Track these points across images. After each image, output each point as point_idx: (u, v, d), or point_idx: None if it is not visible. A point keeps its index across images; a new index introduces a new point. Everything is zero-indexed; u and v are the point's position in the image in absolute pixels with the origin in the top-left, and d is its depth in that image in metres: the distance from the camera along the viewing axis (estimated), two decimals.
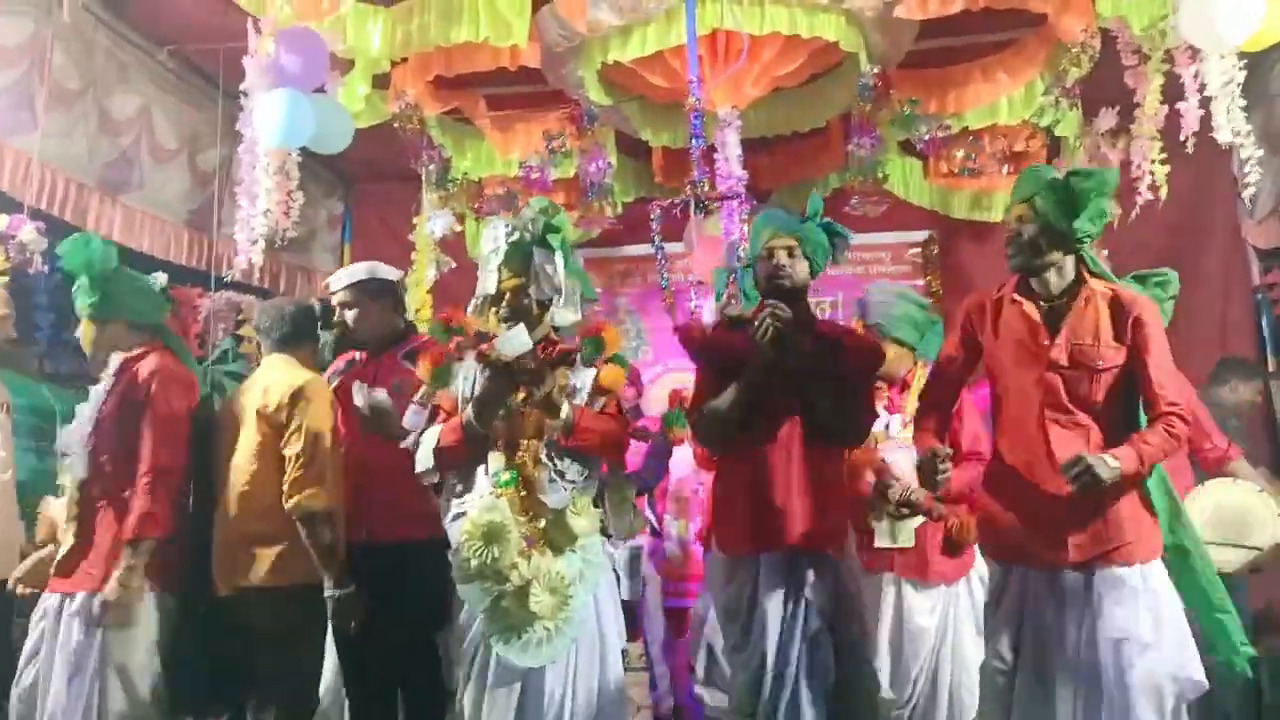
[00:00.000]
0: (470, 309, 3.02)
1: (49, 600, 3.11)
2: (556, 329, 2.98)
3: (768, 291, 2.88)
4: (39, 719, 2.96)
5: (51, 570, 3.15)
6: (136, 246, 5.21)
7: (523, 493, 2.80)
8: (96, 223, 4.98)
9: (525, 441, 2.83)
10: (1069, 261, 2.72)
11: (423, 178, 5.85)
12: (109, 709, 2.96)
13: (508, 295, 2.89)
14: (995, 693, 2.76)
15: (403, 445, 2.99)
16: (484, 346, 2.81)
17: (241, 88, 4.49)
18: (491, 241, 2.91)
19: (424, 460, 2.84)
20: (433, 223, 5.83)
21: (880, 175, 5.69)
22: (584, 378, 2.93)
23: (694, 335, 3.08)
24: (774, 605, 2.79)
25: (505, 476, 2.79)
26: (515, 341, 2.77)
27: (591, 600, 2.86)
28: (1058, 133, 5.38)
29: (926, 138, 5.16)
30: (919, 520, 3.49)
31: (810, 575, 2.80)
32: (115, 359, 3.18)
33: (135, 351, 3.19)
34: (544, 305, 2.94)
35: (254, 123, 4.38)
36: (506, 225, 2.91)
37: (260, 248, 4.30)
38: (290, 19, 4.42)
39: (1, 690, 3.22)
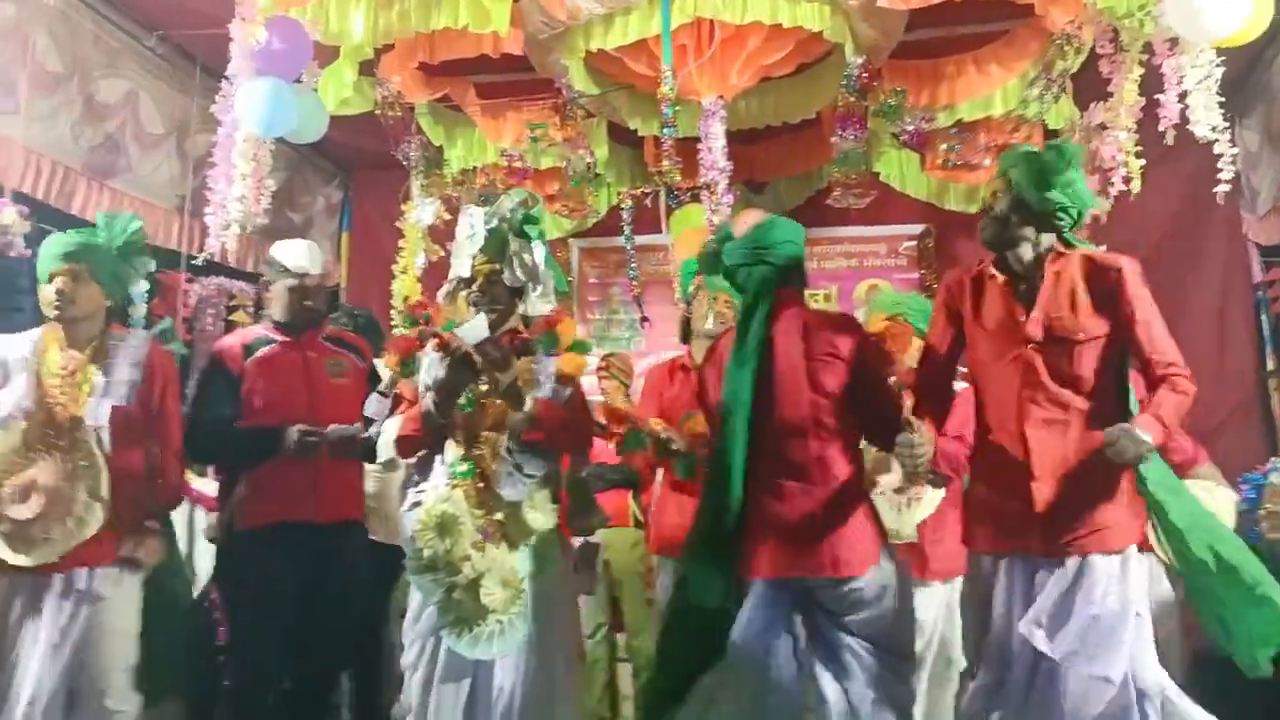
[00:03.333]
0: (441, 293, 3.03)
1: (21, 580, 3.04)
2: (527, 319, 2.99)
3: None
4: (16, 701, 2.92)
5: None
6: None
7: (480, 485, 2.79)
8: (84, 207, 5.00)
9: (485, 434, 2.82)
10: (1045, 240, 2.65)
11: (408, 166, 5.84)
12: (94, 687, 2.96)
13: (480, 280, 2.90)
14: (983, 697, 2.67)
15: (365, 435, 2.99)
16: (445, 335, 2.81)
17: (226, 74, 4.50)
18: (468, 227, 2.92)
19: (384, 449, 2.85)
20: (420, 211, 5.81)
21: (866, 167, 5.62)
22: (547, 368, 2.92)
23: None
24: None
25: (462, 468, 2.80)
26: (475, 330, 2.77)
27: (545, 595, 2.85)
28: (1050, 125, 5.30)
29: (910, 129, 5.08)
30: (922, 515, 3.48)
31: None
32: (130, 347, 3.16)
33: (145, 342, 3.23)
34: (515, 293, 2.94)
35: (235, 109, 4.39)
36: (485, 213, 2.92)
37: (234, 232, 4.31)
38: (272, 6, 4.42)
39: None
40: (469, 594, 2.73)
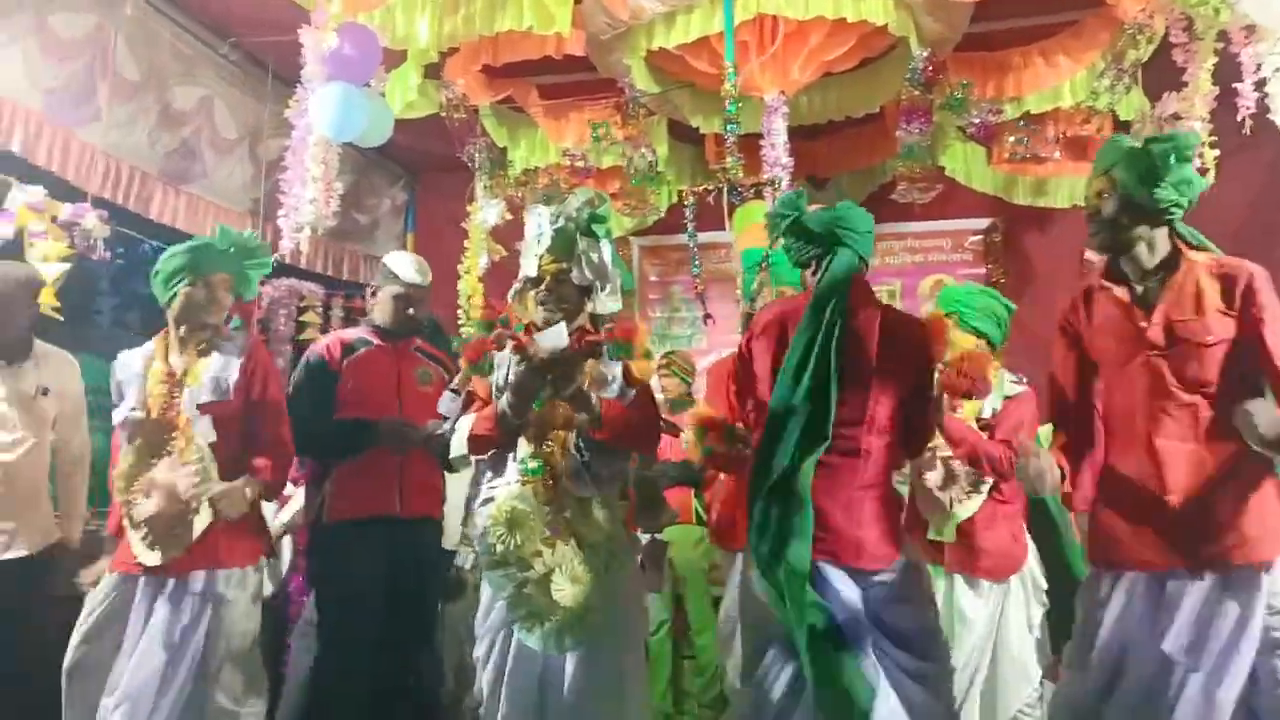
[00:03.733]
0: (510, 293, 3.06)
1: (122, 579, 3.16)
2: (595, 318, 3.00)
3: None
4: (117, 694, 3.01)
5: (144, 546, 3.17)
6: (200, 234, 5.36)
7: (550, 482, 2.82)
8: (160, 211, 5.15)
9: (554, 432, 2.84)
10: (1159, 235, 2.49)
11: (473, 167, 5.91)
12: (214, 687, 3.07)
13: (547, 279, 2.91)
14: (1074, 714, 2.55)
15: (438, 431, 3.04)
16: (522, 338, 2.84)
17: (299, 79, 4.59)
18: (535, 227, 2.94)
19: (457, 447, 2.88)
20: (484, 211, 5.89)
21: (931, 161, 5.56)
22: (615, 369, 2.94)
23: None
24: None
25: (532, 465, 2.82)
26: (554, 338, 2.79)
27: (614, 592, 2.86)
28: (1121, 116, 5.19)
29: (976, 121, 5.01)
30: (962, 516, 3.45)
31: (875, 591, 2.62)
32: (232, 346, 3.26)
33: (245, 340, 3.32)
34: (583, 292, 2.96)
35: (309, 113, 4.48)
36: (551, 211, 2.94)
37: (306, 235, 4.40)
38: (341, 13, 4.50)
39: (27, 662, 3.34)
40: (540, 589, 2.76)
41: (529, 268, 2.95)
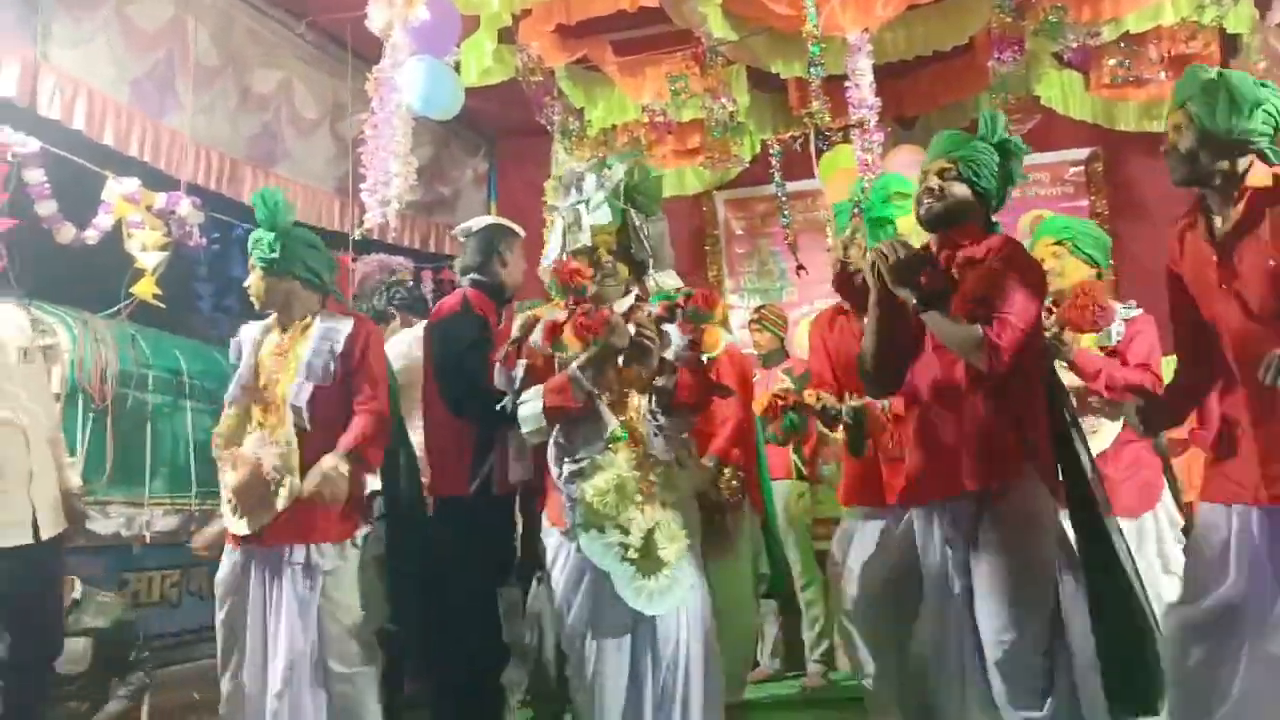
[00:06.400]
0: (551, 261, 3.04)
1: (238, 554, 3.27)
2: (646, 288, 3.01)
3: (919, 219, 2.70)
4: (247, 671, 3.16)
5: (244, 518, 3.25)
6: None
7: (635, 447, 2.86)
8: (251, 194, 5.23)
9: (632, 397, 2.90)
10: (1242, 165, 2.35)
11: (551, 130, 5.87)
12: (330, 653, 3.16)
13: (600, 249, 2.91)
14: (1184, 649, 2.44)
15: (497, 406, 3.02)
16: (603, 313, 2.82)
17: (381, 55, 4.60)
18: (581, 193, 2.90)
19: (533, 420, 2.87)
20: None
21: (1026, 91, 5.32)
22: (677, 333, 2.94)
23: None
24: (930, 559, 2.65)
25: (619, 432, 2.86)
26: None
27: (696, 548, 2.94)
28: (1230, 29, 4.88)
29: (1073, 46, 4.76)
30: (1096, 449, 3.29)
31: (964, 520, 2.58)
32: (330, 323, 3.29)
33: (348, 316, 3.36)
34: (639, 264, 2.97)
35: (393, 87, 4.49)
36: (596, 179, 2.92)
37: (394, 209, 4.43)
38: None
39: (52, 645, 3.44)
40: (641, 552, 2.80)
41: (581, 237, 2.92)
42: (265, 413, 3.24)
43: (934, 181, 2.65)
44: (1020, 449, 2.58)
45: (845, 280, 3.36)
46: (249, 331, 3.37)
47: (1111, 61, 5.09)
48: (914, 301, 2.55)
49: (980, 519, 2.54)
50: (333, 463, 3.11)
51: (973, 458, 2.56)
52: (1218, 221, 2.43)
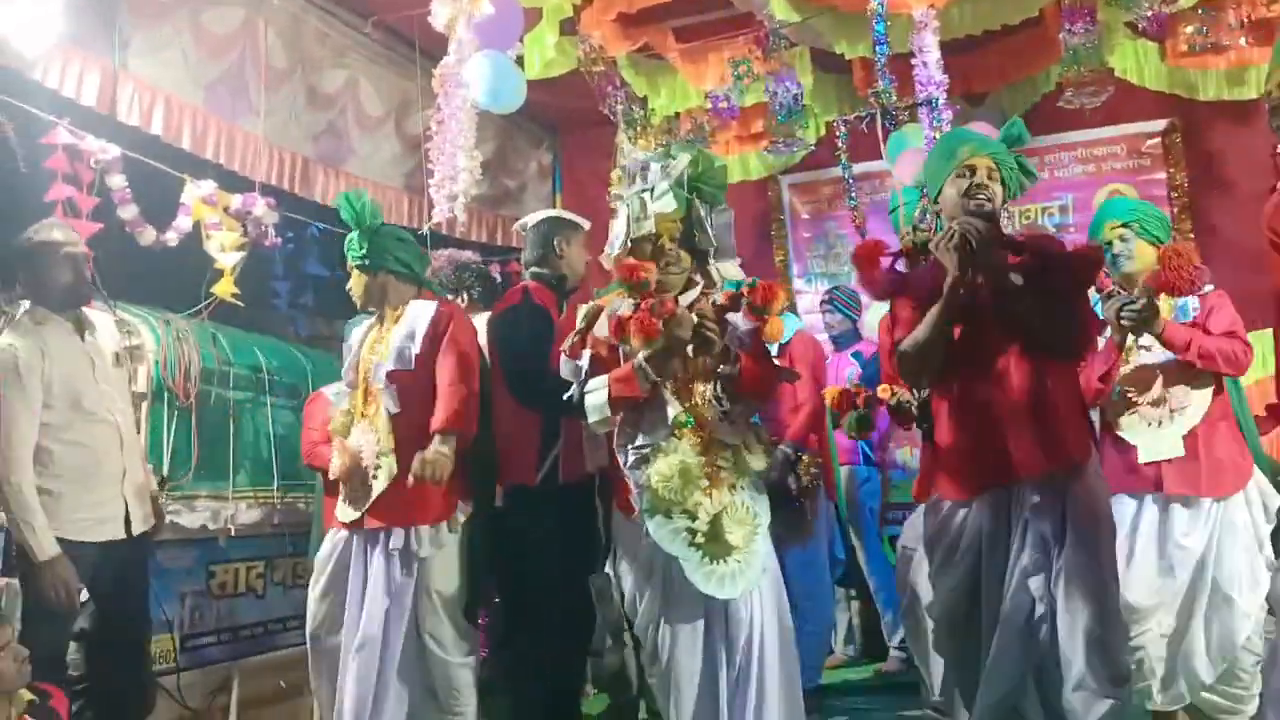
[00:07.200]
0: (614, 250, 3.02)
1: (341, 536, 3.48)
2: (710, 279, 3.01)
3: (967, 209, 2.70)
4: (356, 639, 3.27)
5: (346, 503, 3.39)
6: None
7: (701, 433, 2.87)
8: (323, 194, 5.32)
9: (696, 384, 2.91)
10: None
11: (614, 120, 5.87)
12: (428, 636, 3.28)
13: (663, 238, 2.91)
14: None
15: (565, 396, 3.05)
16: (669, 305, 2.83)
17: (447, 51, 4.64)
18: (643, 182, 2.91)
19: (599, 410, 2.89)
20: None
21: (1099, 62, 5.17)
22: (739, 321, 2.93)
23: (871, 263, 2.94)
24: (995, 545, 2.64)
25: (683, 418, 2.87)
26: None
27: (766, 531, 2.94)
28: None
29: (1148, 15, 4.62)
30: (1185, 426, 3.27)
31: (1036, 503, 2.59)
32: (414, 309, 3.41)
33: (433, 305, 3.44)
34: (701, 253, 2.98)
35: (460, 83, 4.53)
36: (659, 168, 2.93)
37: (461, 203, 4.48)
38: None
39: (141, 633, 3.54)
40: (709, 536, 2.81)
41: (644, 226, 2.91)
42: (366, 403, 3.39)
43: (984, 178, 2.70)
44: (1090, 429, 2.58)
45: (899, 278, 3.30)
46: (356, 330, 3.57)
47: (1189, 29, 4.94)
48: (998, 279, 2.55)
49: (1065, 496, 2.56)
50: (433, 449, 3.20)
51: (1055, 439, 2.57)
52: None
